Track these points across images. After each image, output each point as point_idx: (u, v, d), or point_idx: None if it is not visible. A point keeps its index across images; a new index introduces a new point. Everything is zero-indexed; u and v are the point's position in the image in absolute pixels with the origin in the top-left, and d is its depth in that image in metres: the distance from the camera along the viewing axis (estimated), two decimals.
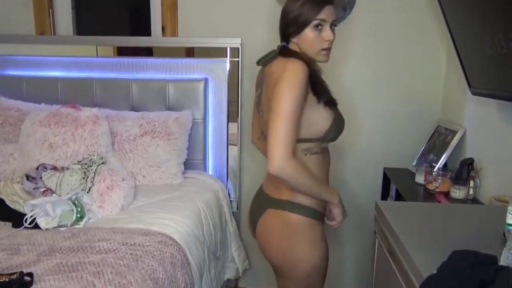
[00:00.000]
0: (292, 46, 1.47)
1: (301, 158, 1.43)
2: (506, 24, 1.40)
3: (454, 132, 2.07)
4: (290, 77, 1.33)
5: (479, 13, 1.57)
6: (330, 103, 1.44)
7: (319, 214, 1.52)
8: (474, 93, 1.76)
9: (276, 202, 1.51)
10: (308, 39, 1.42)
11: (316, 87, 1.40)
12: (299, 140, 1.41)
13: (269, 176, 1.54)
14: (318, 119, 1.43)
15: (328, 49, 1.44)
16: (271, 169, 1.31)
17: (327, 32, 1.41)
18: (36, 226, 1.70)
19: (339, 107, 1.51)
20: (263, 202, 1.57)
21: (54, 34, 2.59)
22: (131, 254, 1.47)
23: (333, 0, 1.43)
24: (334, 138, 1.49)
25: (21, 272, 1.29)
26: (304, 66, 1.35)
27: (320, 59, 1.46)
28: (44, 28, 2.57)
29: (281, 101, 1.31)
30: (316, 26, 1.41)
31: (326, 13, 1.40)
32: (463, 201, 1.80)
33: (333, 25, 1.44)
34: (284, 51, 1.46)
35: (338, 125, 1.47)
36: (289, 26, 1.44)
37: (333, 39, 1.43)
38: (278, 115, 1.31)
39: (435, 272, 0.95)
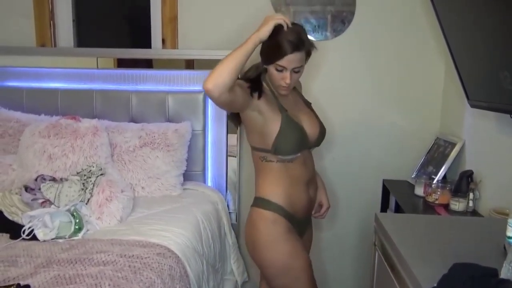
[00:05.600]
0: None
1: (259, 164, 1.68)
2: (504, 38, 1.41)
3: (453, 144, 2.08)
4: None
5: (477, 27, 1.59)
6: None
7: (284, 211, 1.64)
8: (472, 106, 1.77)
9: (254, 200, 1.70)
10: (270, 73, 1.60)
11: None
12: (257, 149, 1.68)
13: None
14: (267, 133, 1.61)
15: (286, 87, 1.59)
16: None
17: (284, 76, 1.56)
18: (34, 238, 1.69)
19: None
20: None
21: (55, 46, 2.60)
22: (129, 266, 1.46)
23: (300, 48, 1.53)
24: (286, 153, 1.63)
25: (18, 284, 1.28)
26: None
27: (279, 91, 1.63)
28: (45, 40, 2.58)
29: None
30: (277, 68, 1.55)
31: (288, 61, 1.53)
32: (463, 213, 1.80)
33: (295, 71, 1.56)
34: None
35: (282, 142, 1.60)
36: (262, 55, 1.60)
37: (290, 83, 1.57)
38: None
39: (435, 285, 0.94)
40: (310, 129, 1.70)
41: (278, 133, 1.60)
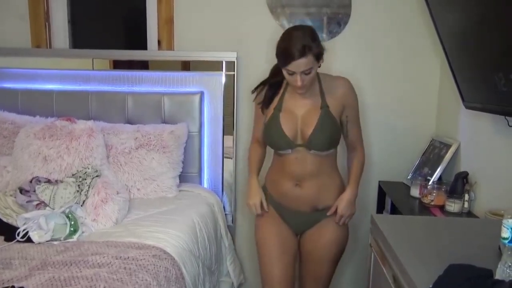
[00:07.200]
0: None
1: None
2: (498, 40, 1.42)
3: (448, 146, 2.08)
4: None
5: (472, 29, 1.60)
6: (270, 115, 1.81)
7: (269, 194, 1.90)
8: (467, 107, 1.78)
9: None
10: (285, 76, 1.70)
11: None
12: None
13: None
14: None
15: (300, 88, 1.68)
16: None
17: (294, 79, 1.66)
18: (29, 240, 1.67)
19: None
20: None
21: (50, 47, 2.60)
22: (124, 268, 1.45)
23: (306, 53, 1.61)
24: (270, 145, 1.86)
25: (13, 287, 1.27)
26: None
27: (296, 91, 1.74)
28: (40, 41, 2.57)
29: None
30: (288, 72, 1.66)
31: (295, 66, 1.63)
32: (458, 214, 1.81)
33: (305, 73, 1.65)
34: None
35: (266, 137, 1.85)
36: (277, 59, 1.70)
37: (302, 84, 1.66)
38: None
39: (431, 286, 0.94)
40: (303, 130, 1.75)
41: (263, 128, 1.85)
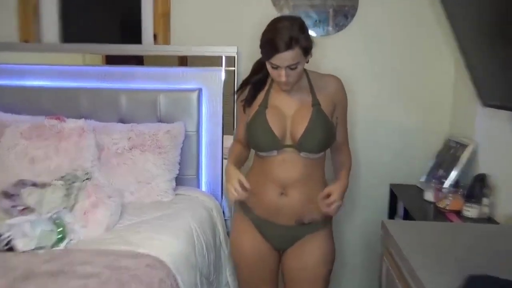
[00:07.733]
0: None
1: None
2: None
3: (464, 146, 2.06)
4: None
5: (488, 24, 1.55)
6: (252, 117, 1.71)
7: (245, 206, 1.75)
8: (485, 105, 1.73)
9: None
10: (269, 70, 1.61)
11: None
12: None
13: None
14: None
15: (285, 83, 1.60)
16: None
17: (279, 73, 1.57)
18: (13, 248, 1.61)
19: None
20: None
21: (39, 41, 2.58)
22: (116, 279, 1.40)
23: (292, 46, 1.51)
24: (254, 147, 1.73)
25: None
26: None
27: (281, 88, 1.65)
28: (29, 35, 2.54)
29: None
30: (272, 65, 1.57)
31: (280, 59, 1.53)
32: (477, 220, 1.76)
33: (291, 68, 1.55)
34: None
35: (249, 135, 1.70)
36: (260, 51, 1.61)
37: (286, 80, 1.57)
38: None
39: None
40: (293, 130, 1.65)
41: (246, 127, 1.71)
